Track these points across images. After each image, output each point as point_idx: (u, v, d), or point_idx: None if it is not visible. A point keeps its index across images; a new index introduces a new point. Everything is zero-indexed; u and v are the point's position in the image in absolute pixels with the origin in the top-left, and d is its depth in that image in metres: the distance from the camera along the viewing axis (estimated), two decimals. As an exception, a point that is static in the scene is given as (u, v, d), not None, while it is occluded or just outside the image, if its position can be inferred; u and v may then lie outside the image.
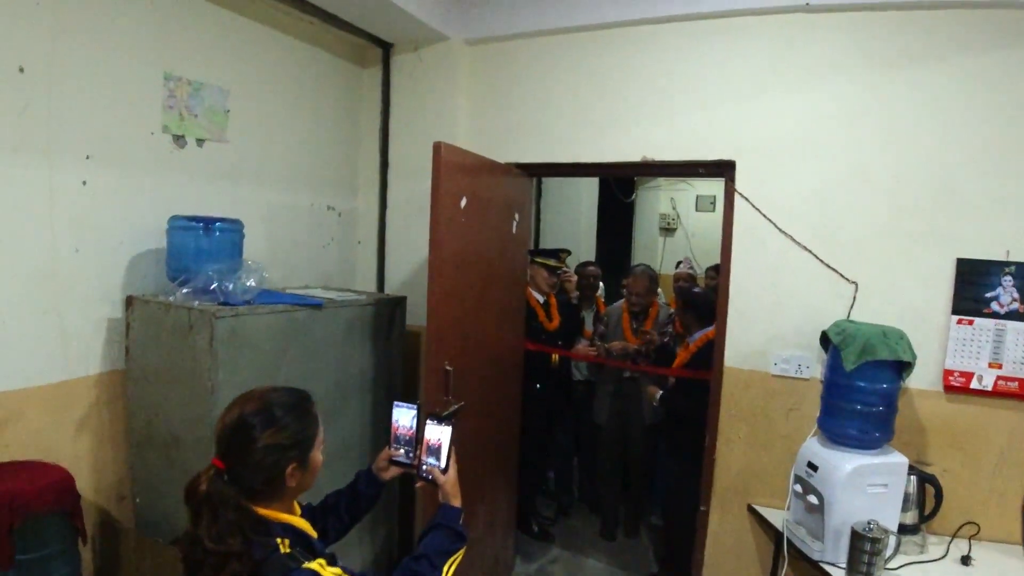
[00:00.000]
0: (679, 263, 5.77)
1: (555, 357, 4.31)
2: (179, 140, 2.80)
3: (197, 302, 2.42)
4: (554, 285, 4.43)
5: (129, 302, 2.58)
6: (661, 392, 3.78)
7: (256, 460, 1.39)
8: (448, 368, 2.81)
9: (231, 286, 2.45)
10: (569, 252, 4.59)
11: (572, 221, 6.47)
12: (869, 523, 2.30)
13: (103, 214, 2.55)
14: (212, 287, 2.44)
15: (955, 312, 2.72)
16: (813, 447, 2.62)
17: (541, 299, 4.37)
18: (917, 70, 2.74)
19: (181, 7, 2.78)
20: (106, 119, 2.53)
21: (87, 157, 2.47)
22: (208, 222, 2.59)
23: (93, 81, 2.47)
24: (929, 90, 2.73)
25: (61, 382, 2.46)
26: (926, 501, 2.60)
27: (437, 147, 2.69)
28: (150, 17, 2.66)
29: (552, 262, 4.33)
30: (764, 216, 2.97)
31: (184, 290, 2.46)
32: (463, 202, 2.88)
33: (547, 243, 5.98)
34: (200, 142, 2.90)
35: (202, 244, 2.56)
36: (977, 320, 2.69)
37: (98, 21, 2.48)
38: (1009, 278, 2.65)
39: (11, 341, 2.29)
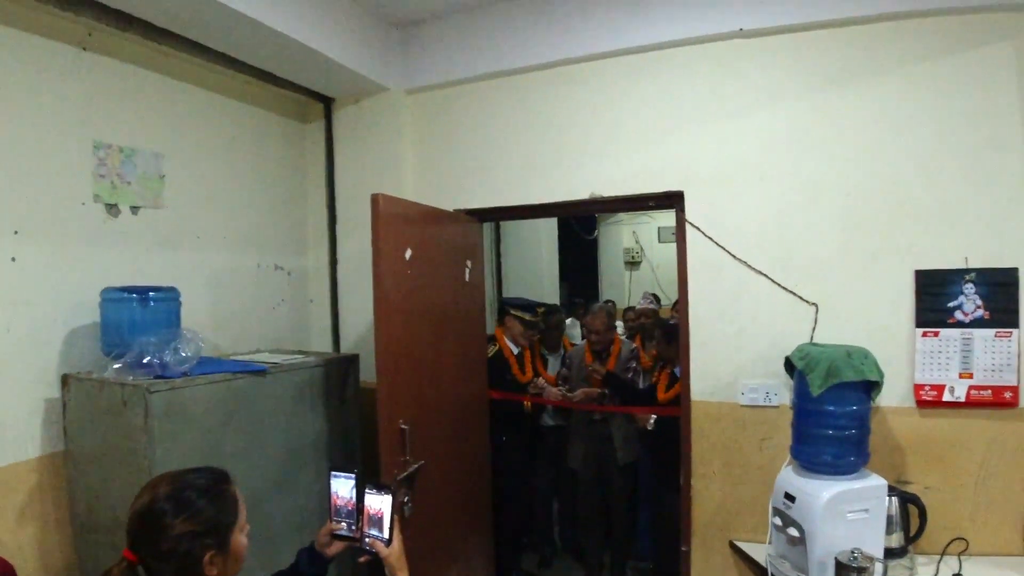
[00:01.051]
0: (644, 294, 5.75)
1: (528, 404, 4.22)
2: (112, 209, 2.72)
3: (131, 377, 2.30)
4: (530, 338, 4.38)
5: (65, 381, 2.47)
6: (655, 416, 3.73)
7: (168, 549, 1.31)
8: (403, 427, 2.71)
9: (167, 357, 2.34)
10: (547, 307, 4.57)
11: (534, 263, 6.45)
12: (853, 552, 2.21)
13: (34, 290, 2.45)
14: (146, 360, 2.32)
15: (919, 325, 2.70)
16: (789, 477, 2.54)
17: (516, 350, 4.31)
18: (860, 85, 2.77)
19: (109, 74, 2.72)
20: (34, 192, 2.45)
21: (15, 232, 2.38)
22: (142, 292, 2.49)
23: (18, 154, 2.40)
24: (874, 104, 2.75)
25: (-1, 468, 2.33)
26: (911, 521, 2.53)
27: (375, 199, 2.62)
28: (76, 87, 2.60)
29: (528, 317, 4.28)
30: (717, 244, 2.94)
31: (117, 365, 2.34)
32: (408, 253, 2.80)
33: (510, 288, 5.94)
34: (135, 209, 2.81)
35: (136, 315, 2.46)
36: (942, 331, 2.67)
37: (23, 93, 2.42)
38: (971, 286, 2.64)
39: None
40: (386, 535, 1.70)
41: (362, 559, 1.75)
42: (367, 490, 1.75)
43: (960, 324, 2.65)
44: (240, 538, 1.44)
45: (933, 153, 2.67)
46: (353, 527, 1.77)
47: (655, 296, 5.57)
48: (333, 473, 1.83)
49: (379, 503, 1.72)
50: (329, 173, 3.76)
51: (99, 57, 2.68)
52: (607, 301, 7.40)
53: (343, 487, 1.80)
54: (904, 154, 2.71)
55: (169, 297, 2.59)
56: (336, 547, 1.79)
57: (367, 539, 1.72)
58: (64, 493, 2.52)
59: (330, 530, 1.79)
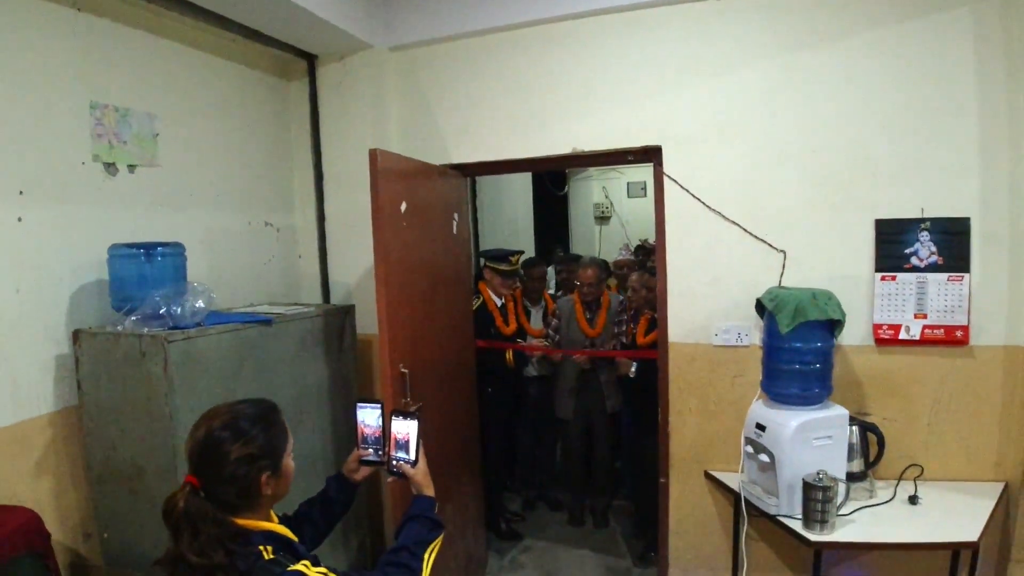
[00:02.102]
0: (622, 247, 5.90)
1: (510, 355, 4.32)
2: (110, 168, 2.77)
3: (147, 329, 2.39)
4: (511, 287, 4.43)
5: (76, 336, 2.53)
6: (635, 363, 3.90)
7: (229, 473, 1.42)
8: (404, 371, 2.85)
9: (180, 310, 2.43)
10: (522, 252, 4.55)
11: (509, 218, 6.56)
12: (819, 474, 2.43)
13: (41, 250, 2.50)
14: (161, 312, 2.41)
15: (879, 270, 2.88)
16: (759, 409, 2.76)
17: (499, 302, 4.37)
18: (829, 47, 2.89)
19: (103, 34, 2.74)
20: (36, 152, 2.48)
21: (20, 192, 2.43)
22: (149, 248, 2.57)
23: (20, 115, 2.43)
24: (841, 66, 2.88)
25: (14, 424, 2.40)
26: (870, 449, 2.76)
27: (373, 155, 2.72)
28: (72, 46, 2.62)
29: (503, 267, 4.31)
30: (693, 196, 3.09)
31: (132, 318, 2.43)
32: (403, 207, 2.92)
33: (486, 242, 6.04)
34: (132, 168, 2.86)
35: (145, 270, 2.54)
36: (900, 275, 2.86)
37: (20, 55, 2.44)
38: (926, 233, 2.81)
39: (-43, 388, 2.24)
40: (412, 457, 1.82)
41: (390, 479, 1.88)
42: (394, 416, 1.84)
43: (916, 269, 2.83)
44: (290, 461, 1.57)
45: (895, 113, 2.82)
46: (380, 452, 1.88)
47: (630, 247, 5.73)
48: (359, 404, 1.92)
49: (405, 428, 1.82)
50: (314, 131, 3.79)
51: (93, 18, 2.70)
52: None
53: (369, 416, 1.89)
54: (868, 114, 2.85)
55: (175, 252, 2.66)
56: (364, 472, 1.91)
57: (395, 462, 1.83)
58: (79, 445, 2.60)
59: (358, 456, 1.90)
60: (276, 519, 1.60)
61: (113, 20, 2.79)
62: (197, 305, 2.49)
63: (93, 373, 2.51)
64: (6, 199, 2.39)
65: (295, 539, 1.57)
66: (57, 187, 2.57)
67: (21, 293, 2.44)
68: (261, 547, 1.41)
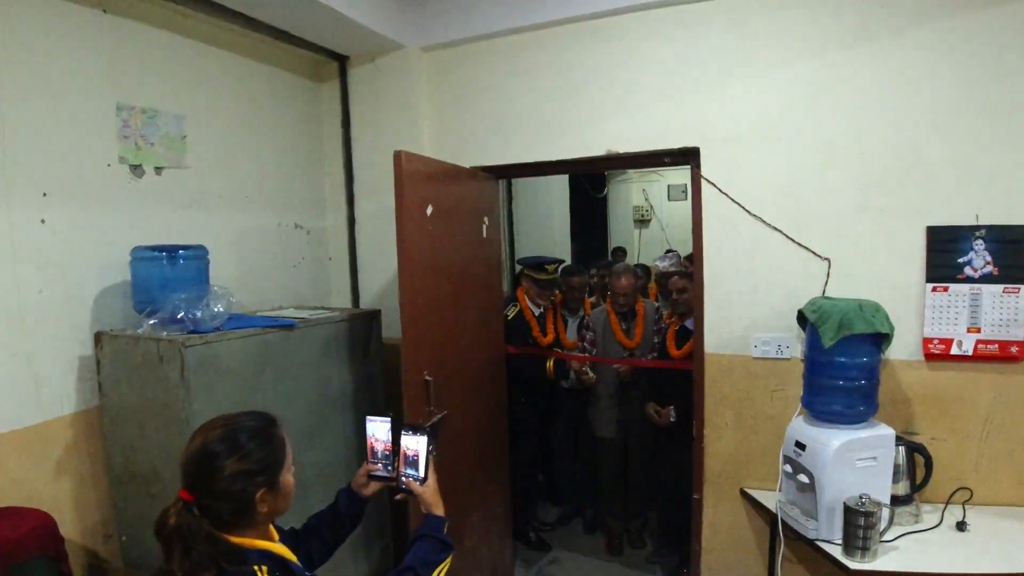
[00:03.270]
0: (667, 252, 5.69)
1: (550, 365, 4.13)
2: (136, 170, 2.76)
3: (165, 332, 2.37)
4: (548, 297, 4.28)
5: (98, 338, 2.54)
6: (673, 408, 3.76)
7: (223, 489, 1.37)
8: (428, 378, 2.78)
9: (199, 313, 2.41)
10: (561, 262, 4.39)
11: (545, 222, 6.48)
12: (861, 497, 2.30)
13: (65, 251, 2.51)
14: (179, 316, 2.39)
15: (929, 280, 2.72)
16: (799, 426, 2.62)
17: (536, 312, 4.25)
18: (876, 45, 2.74)
19: (129, 35, 2.74)
20: (60, 154, 2.49)
21: (44, 195, 2.43)
22: (171, 250, 2.56)
23: (45, 117, 2.44)
24: (889, 63, 2.73)
25: (35, 425, 2.41)
26: (916, 471, 2.61)
27: (397, 156, 2.66)
28: (98, 48, 2.62)
29: (541, 276, 4.17)
30: (732, 200, 2.97)
31: (151, 321, 2.42)
32: (429, 210, 2.85)
33: (522, 246, 5.97)
34: (159, 170, 2.86)
35: (167, 273, 2.52)
36: (952, 286, 2.70)
37: (47, 57, 2.44)
38: (980, 242, 2.65)
39: (-20, 388, 2.24)
40: (422, 474, 1.76)
41: (398, 497, 1.82)
42: (404, 432, 1.79)
43: (969, 280, 2.67)
44: (288, 477, 1.50)
45: (948, 112, 2.67)
46: (389, 468, 1.83)
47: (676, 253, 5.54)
48: (369, 417, 1.88)
49: (415, 444, 1.77)
50: (345, 132, 3.77)
51: (119, 19, 2.70)
52: (617, 249, 7.36)
53: (379, 430, 1.85)
54: (919, 112, 2.70)
55: (198, 255, 2.65)
56: (373, 487, 1.85)
57: (403, 478, 1.78)
58: (99, 447, 2.60)
59: (367, 471, 1.85)
60: (276, 535, 1.54)
61: (140, 21, 2.79)
62: (217, 309, 2.46)
63: (113, 375, 2.51)
64: (30, 201, 2.40)
65: (293, 559, 1.50)
66: (82, 189, 2.57)
67: (44, 294, 2.44)
68: (256, 567, 1.35)
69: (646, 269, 5.70)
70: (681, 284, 3.87)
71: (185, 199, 2.98)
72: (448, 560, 1.64)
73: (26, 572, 2.06)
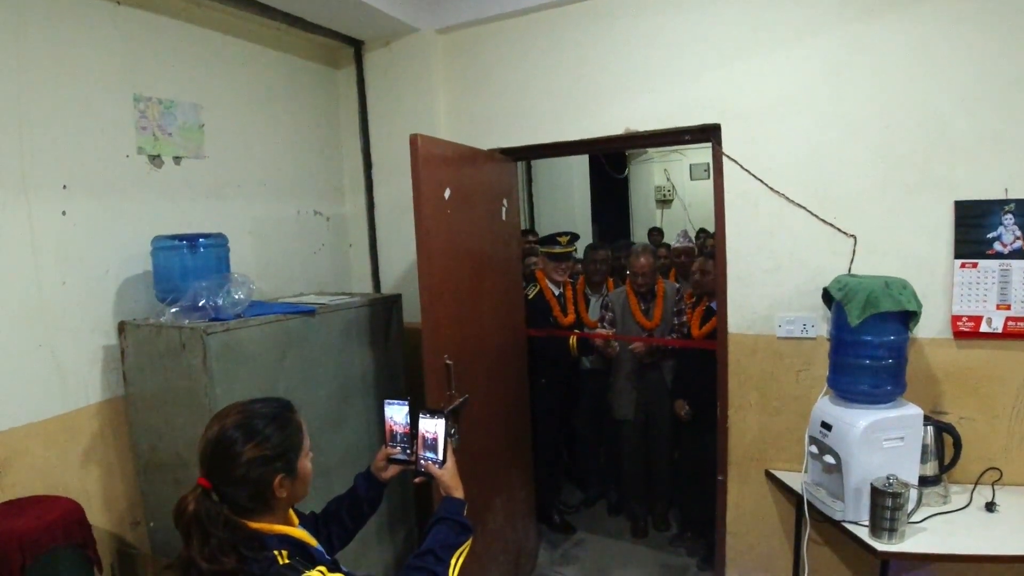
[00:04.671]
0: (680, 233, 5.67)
1: (573, 341, 4.08)
2: (155, 160, 2.77)
3: (187, 320, 2.39)
4: (565, 272, 4.21)
5: (121, 328, 2.57)
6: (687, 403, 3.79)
7: (241, 475, 1.37)
8: (448, 362, 2.78)
9: (220, 301, 2.42)
10: (573, 235, 4.31)
11: (565, 202, 6.43)
12: (888, 478, 2.26)
13: (86, 243, 2.53)
14: (201, 304, 2.40)
15: (958, 256, 2.66)
16: (825, 407, 2.58)
17: (556, 291, 4.20)
18: (900, 16, 2.66)
19: (144, 26, 2.74)
20: (79, 146, 2.50)
21: (64, 187, 2.45)
22: (192, 239, 2.57)
23: (63, 110, 2.45)
24: (913, 35, 2.65)
25: (62, 415, 2.45)
26: (945, 451, 2.56)
27: (414, 140, 2.65)
28: (115, 40, 2.63)
29: (555, 249, 4.12)
30: (755, 177, 2.92)
31: (173, 310, 2.44)
32: (447, 193, 2.83)
33: (542, 227, 5.94)
34: (177, 160, 2.87)
35: (188, 262, 2.54)
36: (981, 263, 2.63)
37: (63, 50, 2.46)
38: (1010, 216, 2.58)
39: (7, 379, 2.28)
40: (440, 456, 1.75)
41: (417, 480, 1.82)
42: (421, 415, 1.78)
43: (999, 255, 2.60)
44: (306, 462, 1.50)
45: (973, 85, 2.58)
46: (408, 451, 1.83)
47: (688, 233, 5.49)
48: (387, 401, 1.88)
49: (433, 427, 1.76)
50: (362, 118, 3.76)
51: (133, 10, 2.70)
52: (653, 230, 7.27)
53: (397, 413, 1.85)
54: (944, 86, 2.62)
55: (218, 243, 2.66)
56: (392, 471, 1.86)
57: (422, 461, 1.77)
58: (125, 435, 2.64)
59: (386, 455, 1.85)
60: (296, 520, 1.55)
61: (154, 12, 2.80)
62: (237, 296, 2.47)
63: (138, 364, 2.54)
64: (49, 193, 2.42)
65: (313, 543, 1.51)
66: (101, 181, 2.59)
67: (67, 286, 2.47)
68: (276, 552, 1.36)
69: (672, 250, 5.63)
70: (700, 268, 3.83)
71: (204, 188, 2.99)
72: (468, 542, 1.63)
73: (54, 560, 2.10)
